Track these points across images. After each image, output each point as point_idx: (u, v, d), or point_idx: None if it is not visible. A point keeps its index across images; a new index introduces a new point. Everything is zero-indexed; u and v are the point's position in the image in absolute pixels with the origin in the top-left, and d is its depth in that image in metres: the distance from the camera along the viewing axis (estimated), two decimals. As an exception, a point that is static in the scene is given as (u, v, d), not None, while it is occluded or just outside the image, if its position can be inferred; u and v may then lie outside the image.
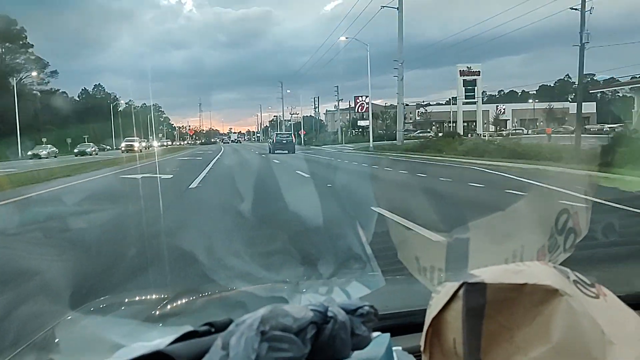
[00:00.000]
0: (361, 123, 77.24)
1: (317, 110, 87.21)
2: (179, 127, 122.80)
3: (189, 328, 0.70)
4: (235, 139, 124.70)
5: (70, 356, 0.98)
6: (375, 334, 0.91)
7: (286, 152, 38.22)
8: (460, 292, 0.72)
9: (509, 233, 0.81)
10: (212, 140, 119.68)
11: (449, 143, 30.76)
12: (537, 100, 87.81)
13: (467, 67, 69.09)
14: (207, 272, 3.95)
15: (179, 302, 1.31)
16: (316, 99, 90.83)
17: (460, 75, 69.27)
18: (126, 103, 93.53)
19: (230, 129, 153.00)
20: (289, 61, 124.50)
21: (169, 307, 1.25)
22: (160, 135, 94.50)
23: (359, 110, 76.79)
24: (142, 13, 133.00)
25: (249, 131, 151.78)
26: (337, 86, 76.28)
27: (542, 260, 0.85)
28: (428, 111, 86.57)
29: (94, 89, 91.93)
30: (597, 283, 0.82)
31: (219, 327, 0.69)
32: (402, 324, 1.09)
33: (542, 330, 0.68)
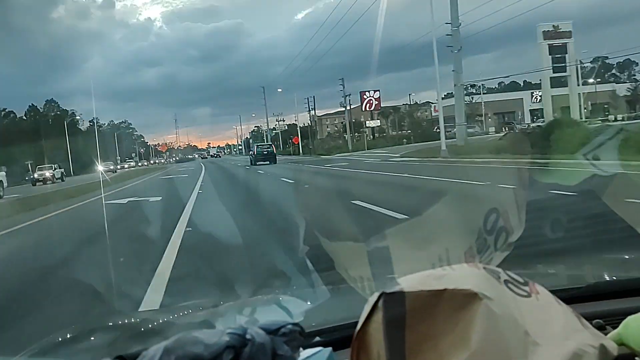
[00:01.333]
0: (370, 124, 65.34)
1: (313, 112, 72.70)
2: (155, 145, 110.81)
3: None
4: (215, 154, 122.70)
5: None
6: (316, 349, 0.89)
7: (268, 162, 36.31)
8: (380, 302, 0.70)
9: (430, 238, 0.79)
10: (189, 156, 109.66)
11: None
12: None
13: (554, 26, 44.43)
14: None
15: (101, 336, 1.26)
16: (310, 101, 73.55)
17: (545, 39, 44.27)
18: (90, 121, 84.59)
19: (209, 143, 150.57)
20: (263, 72, 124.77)
21: (85, 341, 1.20)
22: (132, 154, 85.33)
23: (367, 109, 60.95)
24: (112, 33, 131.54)
25: (228, 144, 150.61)
26: (342, 79, 59.80)
27: (471, 262, 0.83)
28: (477, 101, 64.75)
29: (45, 105, 79.66)
30: (531, 281, 0.81)
31: (129, 359, 0.66)
32: (346, 337, 1.07)
33: (463, 336, 0.66)
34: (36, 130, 62.21)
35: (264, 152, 39.30)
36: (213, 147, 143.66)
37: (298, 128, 70.84)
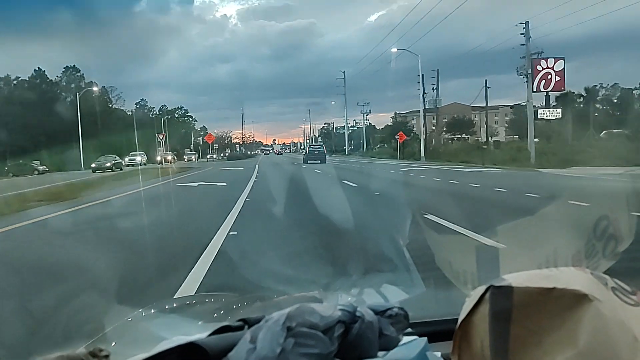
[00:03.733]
0: (547, 113, 33.91)
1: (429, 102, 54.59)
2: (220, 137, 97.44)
3: (225, 324, 0.75)
4: (278, 151, 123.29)
5: (121, 349, 1.05)
6: (412, 337, 0.93)
7: (318, 161, 39.81)
8: (487, 295, 0.72)
9: (541, 237, 0.80)
10: (251, 152, 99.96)
11: None
12: None
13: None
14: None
15: (220, 304, 1.37)
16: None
17: None
18: (158, 112, 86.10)
19: (274, 140, 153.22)
20: (332, 72, 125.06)
21: (210, 308, 1.31)
22: (190, 147, 77.38)
23: (541, 88, 32.61)
24: (189, 28, 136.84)
25: (293, 142, 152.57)
26: (437, 70, 50.32)
27: (578, 266, 0.84)
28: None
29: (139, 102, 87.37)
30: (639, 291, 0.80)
31: (252, 323, 0.73)
32: (441, 331, 1.09)
33: (570, 334, 0.68)
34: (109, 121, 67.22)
35: (315, 152, 43.85)
36: (278, 144, 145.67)
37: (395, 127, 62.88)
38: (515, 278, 0.73)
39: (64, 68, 69.77)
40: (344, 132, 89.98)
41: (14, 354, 3.03)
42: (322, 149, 45.30)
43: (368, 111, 79.86)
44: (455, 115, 78.02)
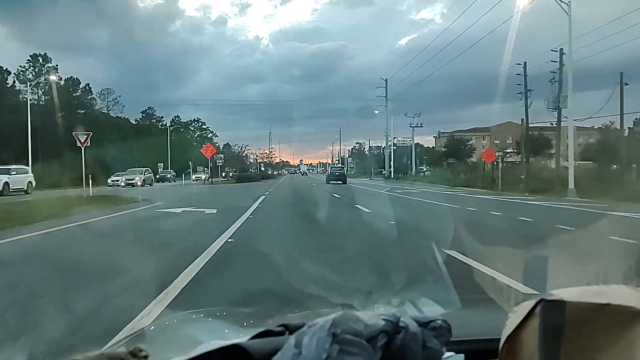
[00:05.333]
0: None
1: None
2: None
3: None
4: (304, 172, 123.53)
5: (159, 349, 1.04)
6: (449, 354, 0.90)
7: (340, 182, 43.70)
8: (537, 309, 0.70)
9: (591, 253, 0.77)
10: (274, 172, 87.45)
11: None
12: None
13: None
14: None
15: (251, 315, 1.37)
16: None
17: None
18: (171, 123, 78.36)
19: (301, 160, 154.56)
20: (361, 94, 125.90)
21: (243, 316, 1.31)
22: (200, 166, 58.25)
23: None
24: (221, 48, 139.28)
25: (319, 163, 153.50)
26: (524, 61, 37.34)
27: (629, 283, 0.81)
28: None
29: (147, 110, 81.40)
30: None
31: (293, 329, 0.71)
32: (478, 350, 1.06)
33: (625, 353, 0.65)
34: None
35: (336, 174, 48.20)
36: (305, 165, 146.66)
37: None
38: (566, 293, 0.70)
39: (30, 56, 59.40)
40: (380, 152, 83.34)
41: (55, 352, 2.99)
42: (342, 171, 50.92)
43: (419, 124, 65.81)
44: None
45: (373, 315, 0.72)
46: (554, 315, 0.68)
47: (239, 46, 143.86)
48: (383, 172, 75.35)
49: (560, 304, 0.68)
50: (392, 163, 68.16)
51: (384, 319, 0.72)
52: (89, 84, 65.01)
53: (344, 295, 3.60)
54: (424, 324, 0.76)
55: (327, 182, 44.60)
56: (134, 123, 76.38)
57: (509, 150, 50.81)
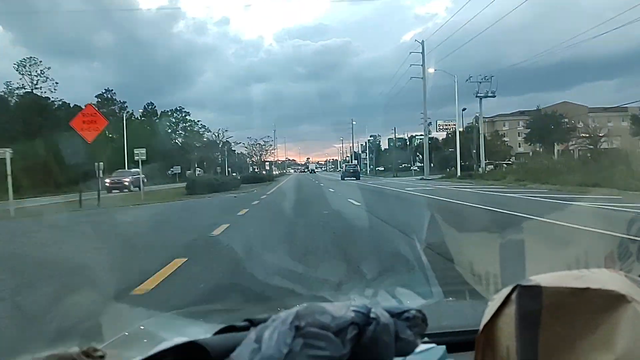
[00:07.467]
0: None
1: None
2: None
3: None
4: (312, 169, 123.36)
5: (122, 351, 1.01)
6: (430, 345, 0.87)
7: (354, 178, 44.39)
8: (514, 295, 0.66)
9: (571, 238, 0.74)
10: (270, 172, 73.54)
11: None
12: None
13: None
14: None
15: (229, 307, 1.34)
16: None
17: None
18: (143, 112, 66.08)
19: (308, 159, 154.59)
20: (366, 91, 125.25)
21: (219, 311, 1.28)
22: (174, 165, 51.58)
23: None
24: (225, 48, 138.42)
25: (327, 161, 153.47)
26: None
27: (611, 267, 0.78)
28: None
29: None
30: None
31: (258, 323, 0.68)
32: (459, 342, 1.03)
33: (606, 339, 0.62)
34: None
35: (350, 170, 49.45)
36: (313, 163, 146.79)
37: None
38: (544, 278, 0.67)
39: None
40: (406, 144, 76.18)
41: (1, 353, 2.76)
42: (356, 168, 52.71)
43: (491, 92, 41.59)
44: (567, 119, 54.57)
45: (342, 306, 0.68)
46: (530, 301, 0.65)
47: (243, 45, 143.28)
48: (412, 168, 67.02)
49: (536, 290, 0.65)
50: (417, 157, 61.85)
51: (354, 310, 0.68)
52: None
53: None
54: (397, 315, 0.72)
55: (342, 179, 44.65)
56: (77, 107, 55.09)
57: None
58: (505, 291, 0.68)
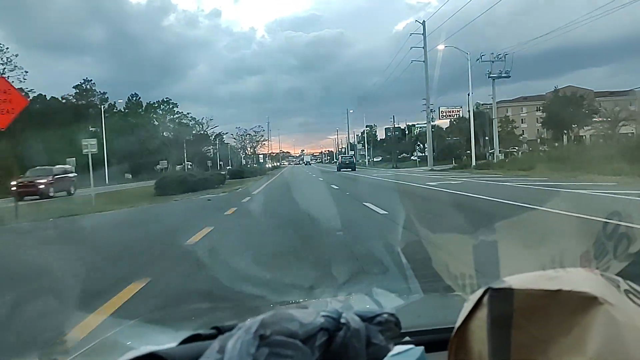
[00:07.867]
0: None
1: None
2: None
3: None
4: (307, 161, 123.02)
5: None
6: (407, 346, 0.85)
7: (350, 169, 45.27)
8: (485, 298, 0.65)
9: (546, 236, 0.73)
10: (260, 166, 69.20)
11: None
12: None
13: None
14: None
15: (198, 313, 1.31)
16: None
17: None
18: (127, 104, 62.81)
19: (302, 151, 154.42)
20: (360, 82, 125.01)
21: (189, 317, 1.26)
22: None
23: None
24: (217, 41, 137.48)
25: (322, 152, 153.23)
26: None
27: (587, 267, 0.76)
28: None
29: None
30: None
31: (225, 330, 0.66)
32: (440, 340, 1.02)
33: (578, 341, 0.60)
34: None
35: (346, 162, 50.31)
36: (307, 155, 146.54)
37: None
38: (517, 280, 0.66)
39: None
40: (404, 134, 74.25)
41: None
42: (352, 159, 53.18)
43: (505, 72, 38.17)
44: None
45: (311, 312, 0.66)
46: (502, 304, 0.64)
47: (235, 38, 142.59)
48: (412, 158, 63.58)
49: (508, 292, 0.64)
50: (418, 146, 61.18)
51: (323, 316, 0.67)
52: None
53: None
54: (369, 319, 0.71)
55: (339, 170, 45.76)
56: (59, 101, 55.04)
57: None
58: (477, 294, 0.66)
